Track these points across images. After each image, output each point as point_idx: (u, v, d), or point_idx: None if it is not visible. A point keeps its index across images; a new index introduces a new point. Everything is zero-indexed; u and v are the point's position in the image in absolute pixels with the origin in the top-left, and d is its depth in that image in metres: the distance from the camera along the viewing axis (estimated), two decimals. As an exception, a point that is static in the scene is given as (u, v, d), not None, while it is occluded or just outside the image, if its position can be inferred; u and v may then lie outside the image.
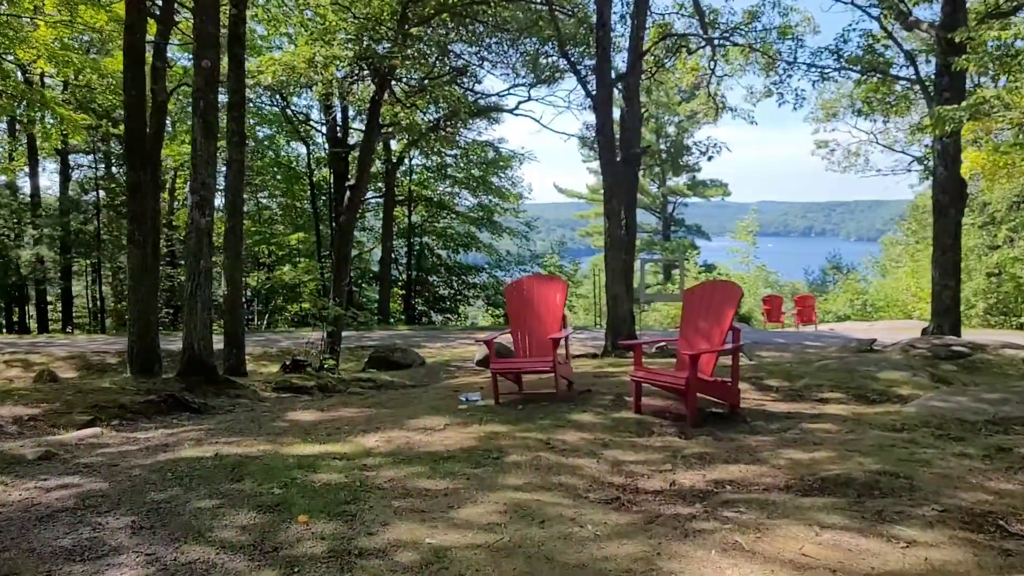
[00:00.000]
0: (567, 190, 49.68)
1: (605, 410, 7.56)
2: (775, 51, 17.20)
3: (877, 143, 32.07)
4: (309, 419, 7.80)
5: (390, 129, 21.99)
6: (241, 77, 15.57)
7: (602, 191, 50.09)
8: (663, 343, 8.81)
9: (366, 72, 18.23)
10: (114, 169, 29.87)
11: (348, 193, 17.65)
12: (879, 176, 33.85)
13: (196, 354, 10.56)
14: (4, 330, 28.74)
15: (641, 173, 48.06)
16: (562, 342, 8.23)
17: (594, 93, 14.72)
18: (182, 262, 19.91)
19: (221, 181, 13.75)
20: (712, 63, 19.25)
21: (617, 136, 14.94)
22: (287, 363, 12.43)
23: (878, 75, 17.96)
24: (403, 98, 18.94)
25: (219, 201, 16.09)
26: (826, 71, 17.96)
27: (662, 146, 43.19)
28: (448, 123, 19.38)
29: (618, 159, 14.80)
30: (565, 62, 19.06)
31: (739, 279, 34.41)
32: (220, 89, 12.46)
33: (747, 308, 31.01)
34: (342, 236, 17.77)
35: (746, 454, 5.93)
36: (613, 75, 14.87)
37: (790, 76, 18.28)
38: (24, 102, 17.76)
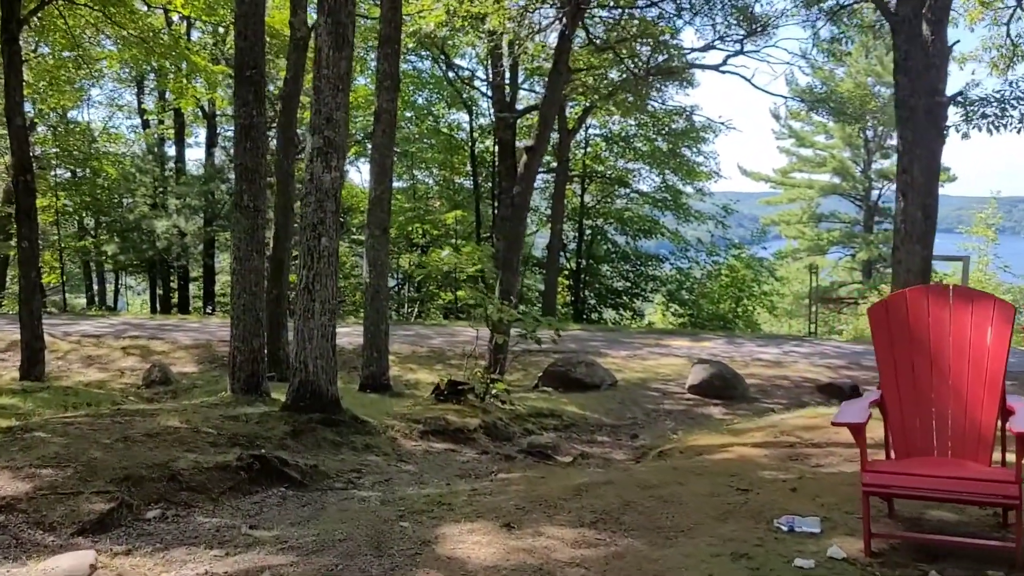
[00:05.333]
0: (753, 173, 43.90)
1: None
2: None
3: None
4: (482, 559, 3.90)
5: (568, 88, 18.06)
6: (397, 5, 12.31)
7: (788, 172, 42.63)
8: None
9: (549, 5, 14.34)
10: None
11: (524, 158, 13.73)
12: None
13: (310, 378, 7.01)
14: (150, 307, 27.35)
15: (846, 151, 41.53)
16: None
17: (893, 10, 10.03)
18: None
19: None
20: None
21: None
22: (441, 387, 8.75)
23: None
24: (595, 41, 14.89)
25: (365, 172, 12.91)
26: None
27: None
28: (652, 77, 15.22)
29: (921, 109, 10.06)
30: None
31: (978, 283, 27.80)
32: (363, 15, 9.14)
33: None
34: (515, 213, 13.85)
35: None
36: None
37: None
38: (152, 47, 15.21)
